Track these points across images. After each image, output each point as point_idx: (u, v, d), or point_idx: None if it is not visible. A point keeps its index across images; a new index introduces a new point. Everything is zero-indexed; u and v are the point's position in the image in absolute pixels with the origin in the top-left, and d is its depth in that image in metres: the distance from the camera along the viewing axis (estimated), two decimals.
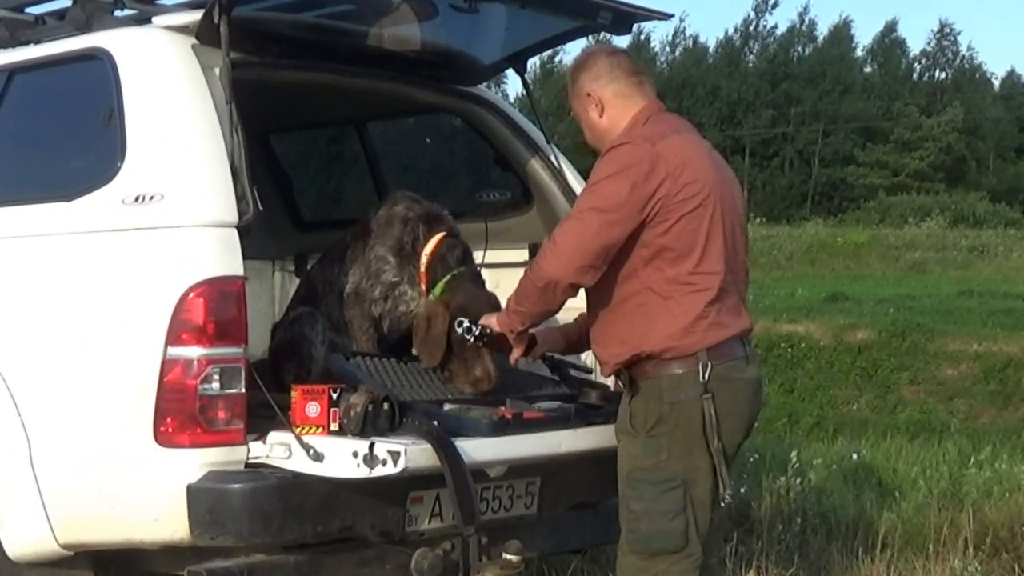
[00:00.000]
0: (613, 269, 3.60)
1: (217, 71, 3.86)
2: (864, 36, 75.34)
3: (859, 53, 58.91)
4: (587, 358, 4.55)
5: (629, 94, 3.73)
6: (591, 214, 3.53)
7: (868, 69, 58.51)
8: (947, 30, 59.30)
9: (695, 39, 59.25)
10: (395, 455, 3.47)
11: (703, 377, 3.52)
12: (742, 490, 6.27)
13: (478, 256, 4.70)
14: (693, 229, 3.54)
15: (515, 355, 3.96)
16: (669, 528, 3.56)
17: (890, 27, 59.55)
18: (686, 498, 3.55)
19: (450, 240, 4.38)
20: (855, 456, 8.02)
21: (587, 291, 3.70)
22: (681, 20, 57.09)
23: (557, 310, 3.78)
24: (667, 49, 58.33)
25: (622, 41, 55.57)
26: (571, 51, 76.02)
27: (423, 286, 4.34)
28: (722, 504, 3.59)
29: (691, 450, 3.55)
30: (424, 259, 4.33)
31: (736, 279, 3.69)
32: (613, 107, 3.72)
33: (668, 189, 3.50)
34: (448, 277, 4.30)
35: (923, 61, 59.16)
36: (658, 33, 66.22)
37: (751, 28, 58.38)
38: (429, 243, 4.35)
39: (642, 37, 55.54)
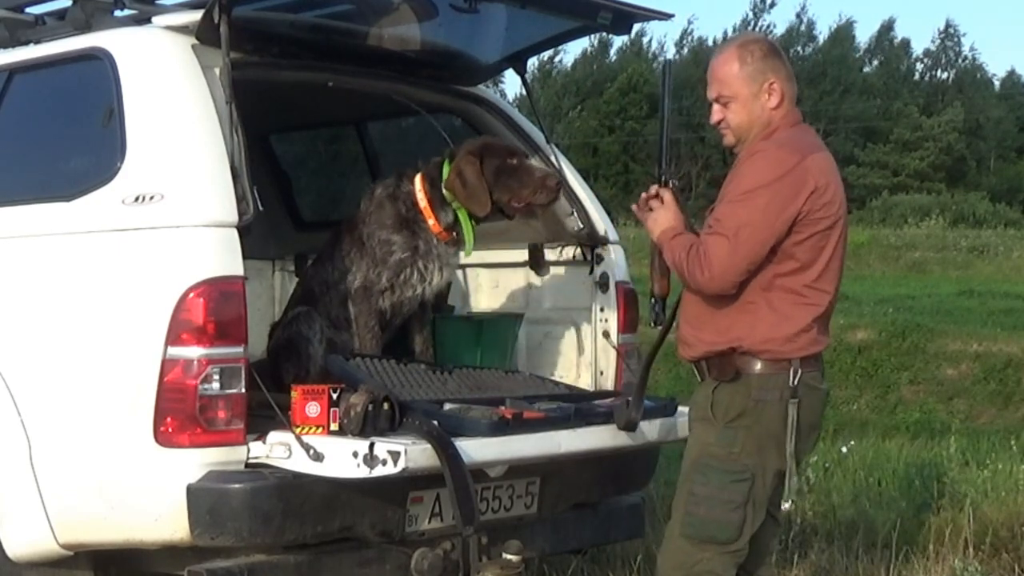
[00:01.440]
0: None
1: (217, 71, 3.86)
2: (863, 36, 75.45)
3: (858, 54, 58.94)
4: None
5: (793, 97, 3.76)
6: (746, 231, 3.51)
7: (867, 69, 58.54)
8: (951, 30, 59.48)
9: (700, 39, 59.29)
10: (395, 455, 3.47)
11: (792, 382, 3.58)
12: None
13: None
14: (821, 247, 3.60)
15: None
16: (728, 518, 3.60)
17: (887, 27, 59.66)
18: (750, 493, 3.60)
19: (429, 166, 4.45)
20: (844, 450, 8.01)
21: None
22: (690, 22, 57.26)
23: None
24: (671, 49, 58.41)
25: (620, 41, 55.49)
26: (571, 51, 75.69)
27: (432, 221, 4.37)
28: (785, 506, 3.67)
29: (763, 448, 3.60)
30: (421, 196, 4.37)
31: (837, 298, 3.77)
32: (784, 105, 3.71)
33: (811, 205, 3.55)
34: (444, 157, 4.39)
35: (926, 61, 59.30)
36: (656, 33, 66.28)
37: (749, 28, 58.37)
38: (416, 186, 4.40)
39: (641, 37, 55.67)
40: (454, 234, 4.40)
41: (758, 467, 3.60)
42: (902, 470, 7.56)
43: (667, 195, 3.80)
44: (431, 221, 4.37)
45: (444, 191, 4.34)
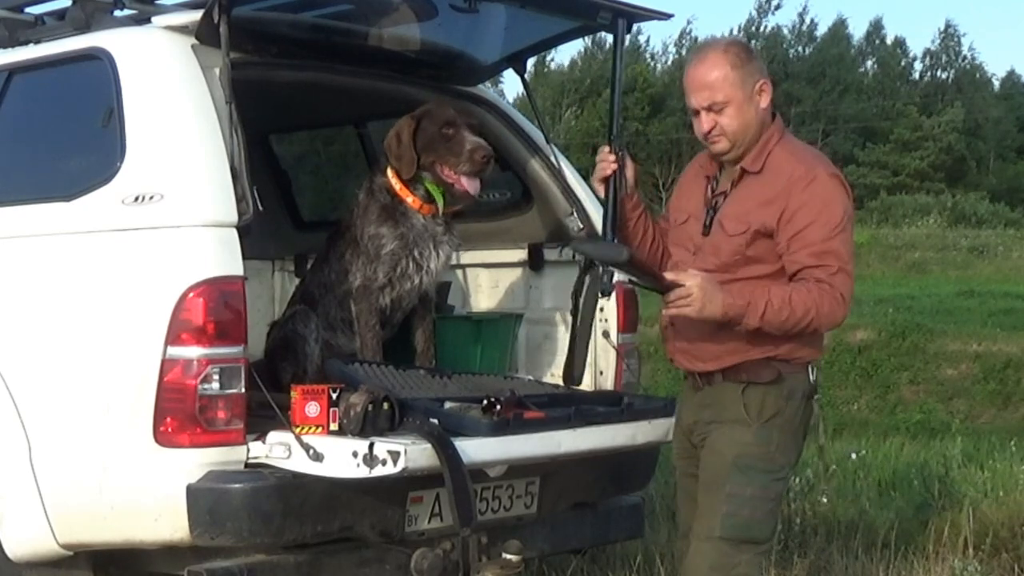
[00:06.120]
0: (758, 270, 3.63)
1: (217, 71, 3.86)
2: (859, 35, 75.45)
3: (853, 53, 58.92)
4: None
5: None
6: (852, 263, 3.61)
7: (862, 69, 58.50)
8: (951, 30, 59.50)
9: (696, 39, 59.25)
10: (395, 455, 3.47)
11: (812, 378, 3.71)
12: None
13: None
14: None
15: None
16: (768, 518, 3.66)
17: (876, 24, 59.63)
18: (783, 490, 3.75)
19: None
20: (854, 456, 8.02)
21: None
22: (689, 22, 57.19)
23: None
24: (672, 49, 58.42)
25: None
26: (563, 50, 75.48)
27: (411, 198, 4.41)
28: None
29: (793, 445, 3.71)
30: (395, 181, 4.42)
31: None
32: (767, 100, 3.73)
33: None
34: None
35: (926, 61, 59.33)
36: (660, 34, 66.31)
37: (753, 28, 58.45)
38: (388, 175, 4.44)
39: (640, 38, 55.67)
40: (435, 206, 4.43)
41: (789, 464, 3.71)
42: (902, 470, 7.57)
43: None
44: (410, 199, 4.41)
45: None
